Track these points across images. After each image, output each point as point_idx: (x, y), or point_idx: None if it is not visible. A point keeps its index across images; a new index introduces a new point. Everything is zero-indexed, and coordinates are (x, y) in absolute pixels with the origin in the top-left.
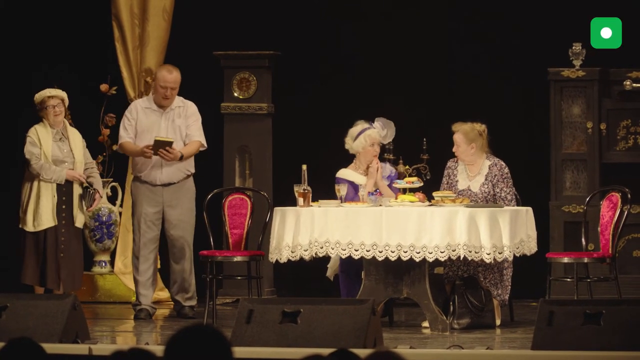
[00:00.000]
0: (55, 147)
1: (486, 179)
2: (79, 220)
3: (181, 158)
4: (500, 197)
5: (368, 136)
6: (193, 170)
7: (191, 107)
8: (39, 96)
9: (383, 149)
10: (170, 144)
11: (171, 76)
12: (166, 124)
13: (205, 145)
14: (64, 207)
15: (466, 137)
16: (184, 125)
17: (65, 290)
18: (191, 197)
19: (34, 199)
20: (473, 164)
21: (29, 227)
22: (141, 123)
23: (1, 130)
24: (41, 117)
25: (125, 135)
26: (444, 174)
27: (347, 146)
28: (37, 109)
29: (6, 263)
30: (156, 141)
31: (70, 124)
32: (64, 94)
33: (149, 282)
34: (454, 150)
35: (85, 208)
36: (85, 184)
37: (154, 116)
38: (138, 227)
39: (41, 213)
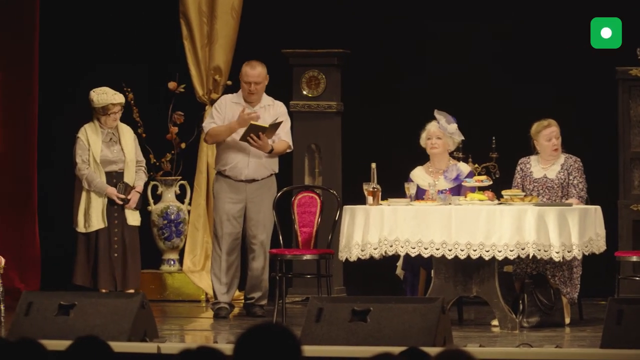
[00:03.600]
0: (105, 148)
1: (562, 168)
2: (133, 219)
3: (270, 152)
4: (572, 185)
5: (426, 129)
6: (277, 170)
7: (281, 108)
8: (102, 100)
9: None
10: (264, 129)
11: (254, 71)
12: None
13: (292, 147)
14: (115, 207)
15: (558, 128)
16: None
17: (120, 290)
18: (272, 196)
19: (85, 200)
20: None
21: (80, 228)
22: (229, 117)
23: (68, 127)
24: (94, 117)
25: (209, 125)
26: (516, 170)
27: None
28: (96, 110)
29: (66, 264)
30: (251, 125)
31: (139, 123)
32: (123, 98)
33: (231, 279)
34: (554, 144)
35: (122, 203)
36: (121, 203)
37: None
38: (220, 224)
39: (91, 214)
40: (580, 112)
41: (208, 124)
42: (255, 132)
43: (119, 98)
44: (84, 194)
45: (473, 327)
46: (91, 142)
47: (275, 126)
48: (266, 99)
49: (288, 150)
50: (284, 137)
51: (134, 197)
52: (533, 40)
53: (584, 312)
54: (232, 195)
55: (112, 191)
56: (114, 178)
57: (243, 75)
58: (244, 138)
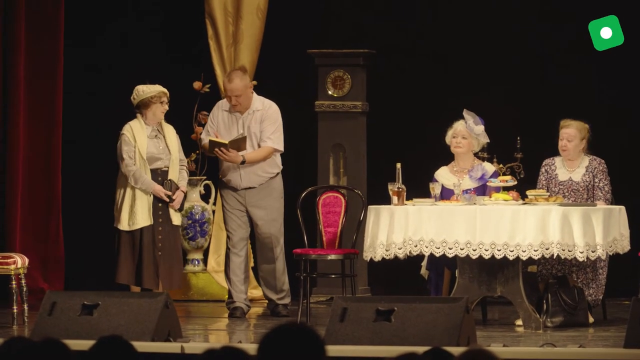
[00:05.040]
0: (151, 144)
1: (587, 170)
2: (177, 219)
3: (243, 163)
4: (598, 187)
5: (453, 127)
6: (276, 171)
7: (269, 110)
8: (152, 89)
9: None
10: (225, 145)
11: (230, 85)
12: (241, 130)
13: (280, 149)
14: (160, 205)
15: (579, 132)
16: (259, 130)
17: (164, 289)
18: (277, 196)
19: (129, 197)
20: (574, 160)
21: (124, 226)
22: (219, 126)
23: (101, 128)
24: (138, 113)
25: (205, 137)
26: (541, 172)
27: None
28: (144, 102)
29: (101, 262)
30: (211, 141)
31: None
32: None
33: (242, 279)
34: (563, 145)
35: (168, 201)
36: (168, 201)
37: (231, 120)
38: (227, 226)
39: (136, 212)
40: (604, 112)
41: (204, 137)
42: (218, 147)
43: (165, 89)
44: (128, 191)
45: (497, 327)
46: (137, 138)
47: (239, 140)
48: (256, 103)
49: (276, 153)
50: (266, 142)
51: (179, 197)
52: (560, 38)
53: (608, 312)
54: (234, 199)
55: (159, 189)
56: (159, 176)
57: (223, 88)
58: (210, 153)
